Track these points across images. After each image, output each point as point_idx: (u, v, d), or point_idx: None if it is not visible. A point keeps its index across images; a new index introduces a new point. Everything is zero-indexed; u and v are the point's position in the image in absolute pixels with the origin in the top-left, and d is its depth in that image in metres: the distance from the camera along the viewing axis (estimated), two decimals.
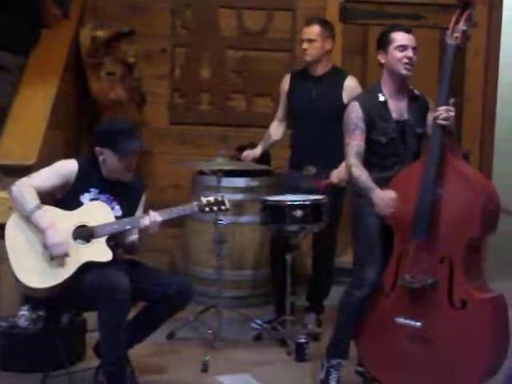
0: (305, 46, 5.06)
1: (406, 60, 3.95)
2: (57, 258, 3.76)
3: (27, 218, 3.79)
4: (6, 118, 5.28)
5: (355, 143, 3.96)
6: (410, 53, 3.97)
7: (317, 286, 5.27)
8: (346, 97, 4.96)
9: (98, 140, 4.01)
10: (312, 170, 5.06)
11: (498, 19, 6.18)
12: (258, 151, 5.28)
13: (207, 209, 4.09)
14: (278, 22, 6.21)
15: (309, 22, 5.12)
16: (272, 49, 6.23)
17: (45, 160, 4.76)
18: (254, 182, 5.51)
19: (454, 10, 3.98)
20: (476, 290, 3.73)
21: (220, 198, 4.13)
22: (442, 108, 3.80)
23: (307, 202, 4.70)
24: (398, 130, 4.00)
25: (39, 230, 3.78)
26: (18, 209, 3.83)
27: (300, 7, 6.17)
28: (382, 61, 4.03)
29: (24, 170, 4.34)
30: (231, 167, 5.03)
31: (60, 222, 3.82)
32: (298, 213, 4.66)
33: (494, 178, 6.16)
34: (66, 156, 4.36)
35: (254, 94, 6.25)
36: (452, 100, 3.85)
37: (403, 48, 3.97)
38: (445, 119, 3.79)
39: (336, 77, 5.11)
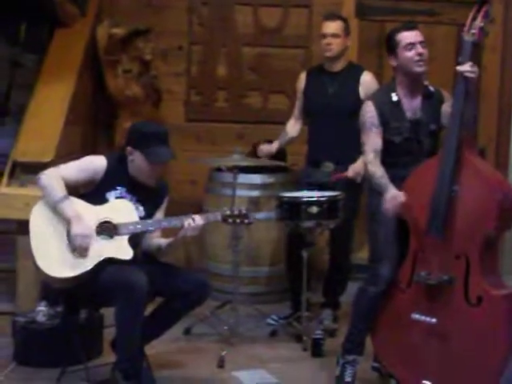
0: (329, 40, 5.04)
1: (417, 57, 3.94)
2: (78, 250, 3.79)
3: (54, 207, 3.83)
4: (23, 116, 5.32)
5: (372, 141, 3.96)
6: (419, 49, 3.95)
7: (333, 282, 5.28)
8: (362, 92, 4.97)
9: (131, 140, 4.01)
10: (330, 165, 5.07)
11: None
12: (274, 147, 5.30)
13: (230, 220, 4.10)
14: (294, 18, 6.22)
15: (331, 18, 5.13)
16: (288, 45, 6.23)
17: (62, 157, 4.80)
18: (270, 179, 5.52)
19: (470, 6, 3.96)
20: (492, 287, 3.72)
21: (244, 211, 4.13)
22: (467, 64, 3.76)
23: (323, 199, 4.70)
24: (412, 129, 3.99)
25: (65, 220, 3.82)
26: (45, 197, 3.87)
27: (316, 4, 6.17)
28: (394, 64, 4.02)
29: (41, 168, 4.35)
30: (247, 164, 5.04)
31: (85, 215, 3.86)
32: (314, 209, 4.66)
33: (510, 174, 6.13)
34: (83, 153, 4.40)
35: (270, 90, 6.26)
36: None
37: (411, 46, 3.95)
38: (470, 72, 3.75)
39: (352, 72, 5.12)
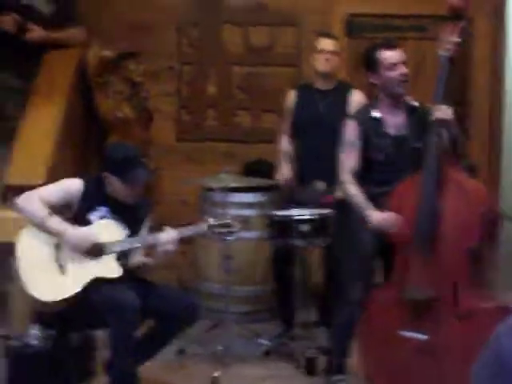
0: (327, 56, 5.06)
1: (400, 78, 3.95)
2: (90, 252, 3.82)
3: (41, 226, 3.85)
4: (14, 139, 5.32)
5: (350, 161, 3.98)
6: (403, 69, 3.96)
7: (328, 300, 5.26)
8: (352, 111, 4.98)
9: (106, 166, 4.05)
10: (321, 185, 5.06)
11: (503, 30, 6.19)
12: (286, 172, 5.24)
13: (216, 230, 4.15)
14: (284, 37, 6.23)
15: (328, 35, 5.20)
16: (277, 64, 6.25)
17: (53, 180, 4.78)
18: (261, 198, 5.52)
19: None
20: (480, 301, 3.73)
21: (229, 221, 4.17)
22: (438, 107, 3.80)
23: (314, 217, 4.70)
24: (395, 146, 3.99)
25: (56, 235, 3.84)
26: (28, 218, 3.89)
27: (305, 22, 6.18)
28: (376, 82, 4.02)
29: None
30: (238, 183, 5.05)
31: None
32: (305, 227, 4.66)
33: (502, 189, 6.13)
34: (75, 176, 4.41)
35: (260, 109, 6.27)
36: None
37: (395, 66, 3.96)
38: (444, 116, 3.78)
39: (342, 91, 5.14)
